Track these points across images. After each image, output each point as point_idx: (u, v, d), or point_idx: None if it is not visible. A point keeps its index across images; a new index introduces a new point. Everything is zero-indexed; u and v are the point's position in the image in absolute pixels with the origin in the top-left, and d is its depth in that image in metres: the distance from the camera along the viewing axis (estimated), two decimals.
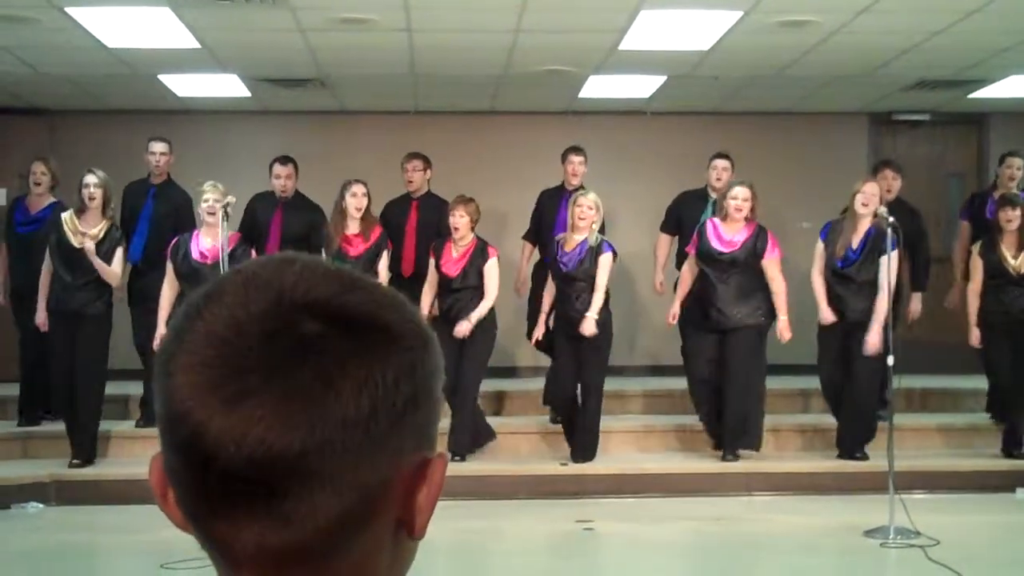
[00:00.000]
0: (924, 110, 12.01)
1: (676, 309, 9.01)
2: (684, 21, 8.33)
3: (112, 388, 8.95)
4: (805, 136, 12.05)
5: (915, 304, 9.80)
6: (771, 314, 8.88)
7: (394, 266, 9.42)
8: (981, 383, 9.66)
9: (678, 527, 8.06)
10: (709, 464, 9.01)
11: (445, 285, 8.95)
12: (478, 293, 8.91)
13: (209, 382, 0.86)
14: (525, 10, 7.96)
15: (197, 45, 8.89)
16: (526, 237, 10.08)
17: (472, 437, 9.02)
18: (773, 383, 10.17)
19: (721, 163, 9.73)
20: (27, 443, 9.31)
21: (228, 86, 10.57)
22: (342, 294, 0.90)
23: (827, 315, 8.84)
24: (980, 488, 8.73)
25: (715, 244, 8.84)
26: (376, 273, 8.81)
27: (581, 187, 9.76)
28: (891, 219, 7.67)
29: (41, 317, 8.79)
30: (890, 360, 7.58)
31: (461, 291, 8.91)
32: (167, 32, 8.44)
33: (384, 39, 8.78)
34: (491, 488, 8.65)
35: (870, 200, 8.65)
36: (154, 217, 9.59)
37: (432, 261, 9.04)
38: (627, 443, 9.48)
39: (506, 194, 11.15)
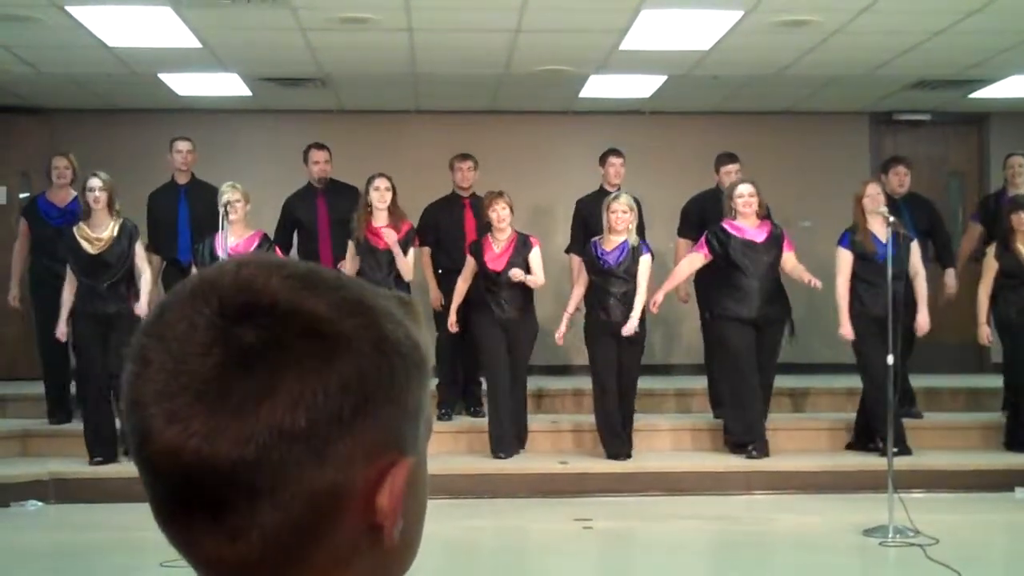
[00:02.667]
0: (925, 110, 12.01)
1: (660, 297, 9.01)
2: (684, 21, 8.33)
3: None
4: (806, 136, 12.06)
5: (949, 279, 9.97)
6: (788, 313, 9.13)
7: (455, 262, 9.54)
8: (982, 382, 9.68)
9: (678, 526, 8.07)
10: (709, 462, 9.03)
11: (491, 279, 9.00)
12: (522, 285, 8.99)
13: (154, 396, 0.86)
14: (525, 10, 7.96)
15: (198, 44, 8.90)
16: (572, 250, 9.96)
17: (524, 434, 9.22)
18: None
19: (733, 167, 9.84)
20: (26, 441, 9.32)
21: (229, 85, 10.58)
22: (291, 298, 0.88)
23: (848, 331, 8.92)
24: (979, 487, 8.72)
25: (748, 236, 8.93)
26: (398, 267, 8.95)
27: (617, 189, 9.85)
28: (892, 219, 7.69)
29: (61, 330, 8.80)
30: (890, 359, 7.59)
31: (509, 288, 8.98)
32: (168, 31, 8.45)
33: (385, 38, 8.79)
34: (491, 486, 8.66)
35: (879, 200, 8.80)
36: (193, 216, 9.71)
37: (470, 260, 9.12)
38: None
39: (506, 194, 11.14)
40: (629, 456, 9.05)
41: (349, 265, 8.87)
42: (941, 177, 12.26)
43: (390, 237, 8.87)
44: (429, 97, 11.31)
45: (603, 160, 10.07)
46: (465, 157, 10.08)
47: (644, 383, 9.98)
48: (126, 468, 8.24)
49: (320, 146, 10.01)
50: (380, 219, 9.03)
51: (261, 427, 0.85)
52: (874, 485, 7.96)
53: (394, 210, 9.07)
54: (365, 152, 11.51)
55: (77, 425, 9.23)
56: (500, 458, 8.96)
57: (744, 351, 8.98)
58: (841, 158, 11.72)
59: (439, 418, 9.73)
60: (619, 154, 10.02)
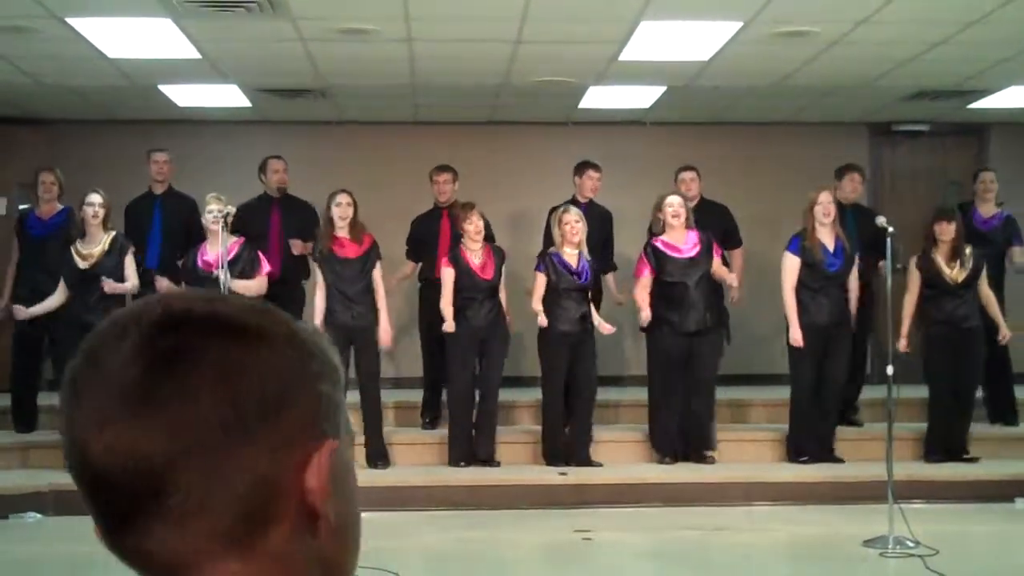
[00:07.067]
0: (924, 120, 12.02)
1: (648, 312, 9.06)
2: (684, 32, 8.34)
3: None
4: (805, 146, 12.05)
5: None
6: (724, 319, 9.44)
7: (429, 272, 9.75)
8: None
9: (677, 537, 8.06)
10: (708, 474, 9.03)
11: (477, 287, 9.07)
12: (498, 298, 9.20)
13: (88, 412, 0.94)
14: (525, 21, 7.97)
15: (197, 55, 8.90)
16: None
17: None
18: (772, 393, 10.20)
19: (689, 175, 10.07)
20: (26, 453, 9.30)
21: (228, 96, 10.59)
22: (204, 308, 0.97)
23: (798, 338, 9.08)
24: (979, 498, 8.72)
25: (679, 254, 9.10)
26: (371, 280, 9.04)
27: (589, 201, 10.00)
28: (890, 228, 7.68)
29: (20, 309, 9.00)
30: (889, 370, 7.59)
31: (490, 291, 9.11)
32: (168, 42, 8.45)
33: (384, 49, 8.80)
34: (490, 498, 8.65)
35: (830, 209, 9.09)
36: (164, 226, 9.87)
37: (450, 271, 9.12)
38: (626, 453, 9.47)
39: (506, 204, 11.16)
40: (589, 464, 9.14)
41: (319, 296, 8.93)
42: (940, 188, 12.26)
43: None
44: (428, 108, 11.32)
45: (581, 171, 10.11)
46: (443, 169, 10.13)
47: (643, 393, 9.95)
48: None
49: (278, 156, 10.21)
50: (342, 232, 9.08)
51: (188, 420, 0.92)
52: (874, 496, 7.94)
53: (355, 225, 9.12)
54: (364, 163, 11.53)
55: None
56: (461, 466, 9.05)
57: (677, 362, 9.13)
58: None
59: (424, 427, 9.83)
60: (597, 167, 10.13)
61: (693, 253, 9.11)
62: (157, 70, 9.54)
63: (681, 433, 9.28)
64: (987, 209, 10.13)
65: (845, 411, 9.75)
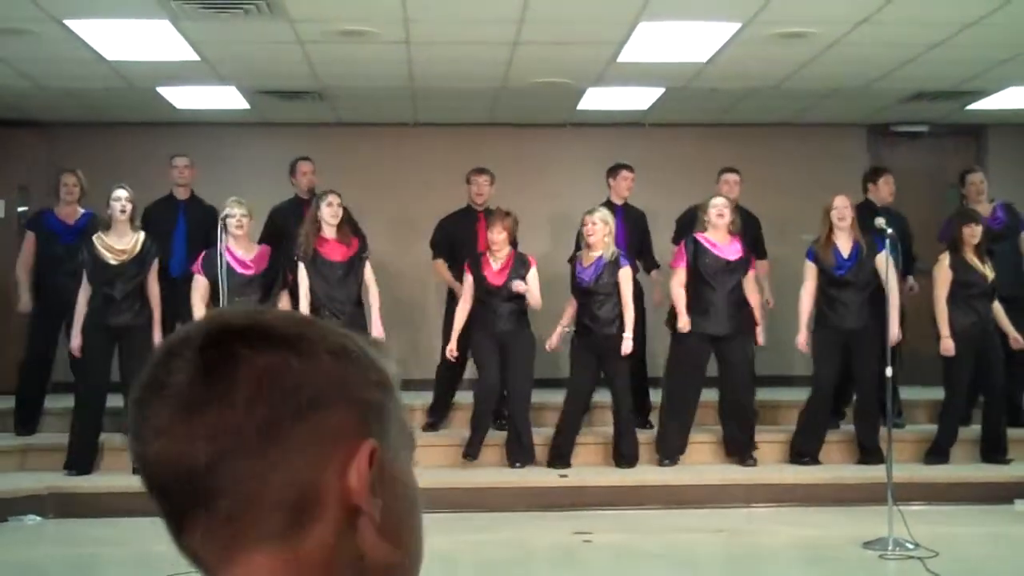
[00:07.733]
0: (923, 121, 12.02)
1: (686, 320, 9.03)
2: (682, 33, 8.34)
3: (114, 400, 8.92)
4: (804, 148, 12.05)
5: (911, 282, 10.17)
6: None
7: (458, 275, 9.61)
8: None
9: (677, 539, 8.05)
10: (709, 475, 9.02)
11: (490, 293, 9.04)
12: (519, 302, 9.06)
13: (145, 423, 1.01)
14: (524, 23, 7.97)
15: (196, 57, 8.90)
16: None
17: (529, 447, 9.19)
18: (774, 394, 10.20)
19: (732, 177, 10.01)
20: (25, 455, 9.30)
21: (227, 98, 10.58)
22: (246, 320, 1.03)
23: (803, 341, 9.09)
24: (979, 499, 8.72)
25: (719, 254, 9.08)
26: (359, 281, 9.00)
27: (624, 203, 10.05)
28: (889, 230, 7.70)
29: (76, 344, 8.79)
30: (888, 372, 7.59)
31: (507, 301, 9.04)
32: (166, 45, 8.45)
33: (383, 51, 8.79)
34: (491, 499, 8.65)
35: (845, 214, 9.03)
36: (189, 233, 9.84)
37: (468, 277, 9.14)
38: None
39: (505, 206, 11.14)
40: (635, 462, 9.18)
41: (304, 285, 8.86)
42: (938, 189, 12.25)
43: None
44: (427, 110, 11.31)
45: (614, 173, 10.12)
46: (482, 171, 10.09)
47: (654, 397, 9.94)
48: (125, 482, 8.22)
49: (306, 158, 10.20)
50: (330, 233, 9.04)
51: (226, 424, 0.98)
52: (874, 498, 7.94)
53: (343, 227, 9.09)
54: (363, 165, 11.53)
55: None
56: (467, 460, 9.10)
57: (700, 367, 9.13)
58: (839, 170, 11.69)
59: (424, 428, 9.78)
60: (631, 168, 10.11)
61: (733, 258, 9.08)
62: (155, 72, 9.53)
63: (730, 439, 9.35)
64: (984, 208, 10.08)
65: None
